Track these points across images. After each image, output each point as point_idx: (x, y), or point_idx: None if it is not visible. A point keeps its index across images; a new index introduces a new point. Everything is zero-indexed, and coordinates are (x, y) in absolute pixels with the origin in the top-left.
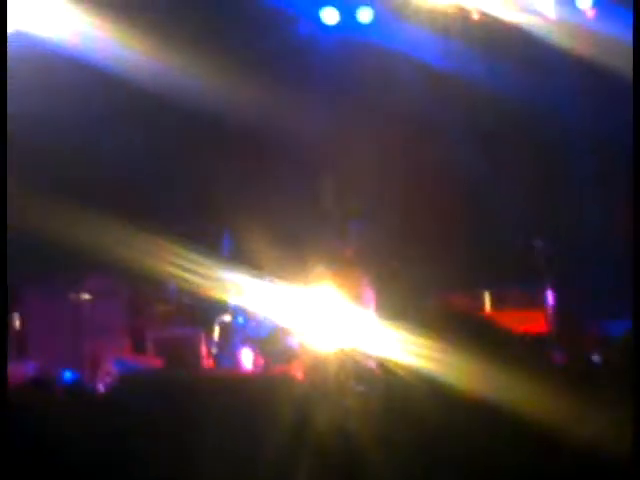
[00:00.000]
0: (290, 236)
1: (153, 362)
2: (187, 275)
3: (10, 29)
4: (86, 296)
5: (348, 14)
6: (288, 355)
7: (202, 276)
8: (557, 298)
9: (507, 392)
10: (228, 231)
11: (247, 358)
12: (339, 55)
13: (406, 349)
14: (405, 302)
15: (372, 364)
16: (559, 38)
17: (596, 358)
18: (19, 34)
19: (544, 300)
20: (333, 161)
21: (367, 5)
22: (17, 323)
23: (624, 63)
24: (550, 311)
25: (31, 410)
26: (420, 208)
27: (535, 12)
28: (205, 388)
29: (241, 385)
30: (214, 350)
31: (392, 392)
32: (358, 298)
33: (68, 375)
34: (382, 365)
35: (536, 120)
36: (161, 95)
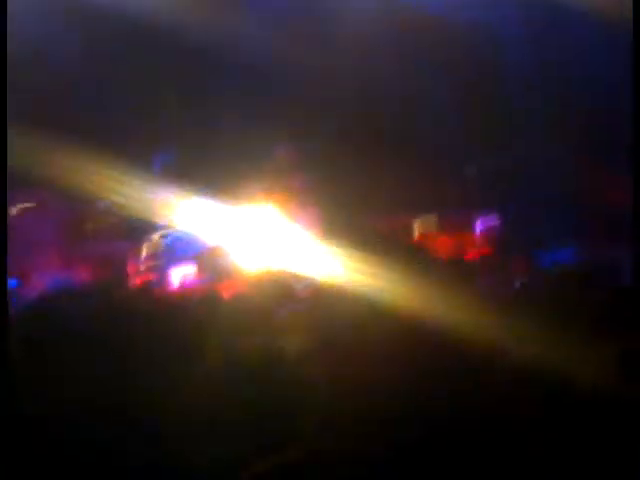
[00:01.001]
0: (234, 154)
1: (86, 276)
2: (117, 192)
3: None
4: (14, 210)
5: None
6: (218, 275)
7: (133, 193)
8: (487, 224)
9: (435, 313)
10: (167, 146)
11: (176, 276)
12: None
13: (339, 271)
14: (347, 223)
15: (301, 286)
16: None
17: (517, 284)
18: None
19: (475, 226)
20: (277, 85)
21: None
22: None
23: None
24: (481, 237)
25: None
26: (360, 133)
27: None
28: (136, 305)
29: (169, 304)
30: (143, 267)
31: (319, 313)
32: (300, 218)
33: None
34: (311, 286)
35: (476, 46)
36: None
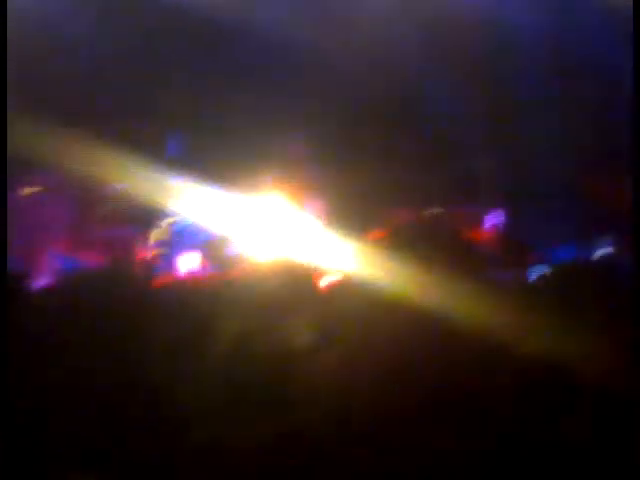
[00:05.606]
0: (243, 143)
1: (94, 260)
2: (128, 177)
3: None
4: (27, 190)
5: None
6: (227, 263)
7: (143, 179)
8: (503, 219)
9: (448, 306)
10: (177, 132)
11: (186, 262)
12: None
13: (350, 259)
14: (354, 215)
15: (313, 275)
16: None
17: (533, 277)
18: None
19: (490, 220)
20: (293, 71)
21: None
22: None
23: None
24: (496, 231)
25: None
26: (373, 125)
27: None
28: (148, 289)
29: (179, 288)
30: (154, 252)
31: (331, 302)
32: (307, 208)
33: None
34: (322, 277)
35: (493, 39)
36: None
